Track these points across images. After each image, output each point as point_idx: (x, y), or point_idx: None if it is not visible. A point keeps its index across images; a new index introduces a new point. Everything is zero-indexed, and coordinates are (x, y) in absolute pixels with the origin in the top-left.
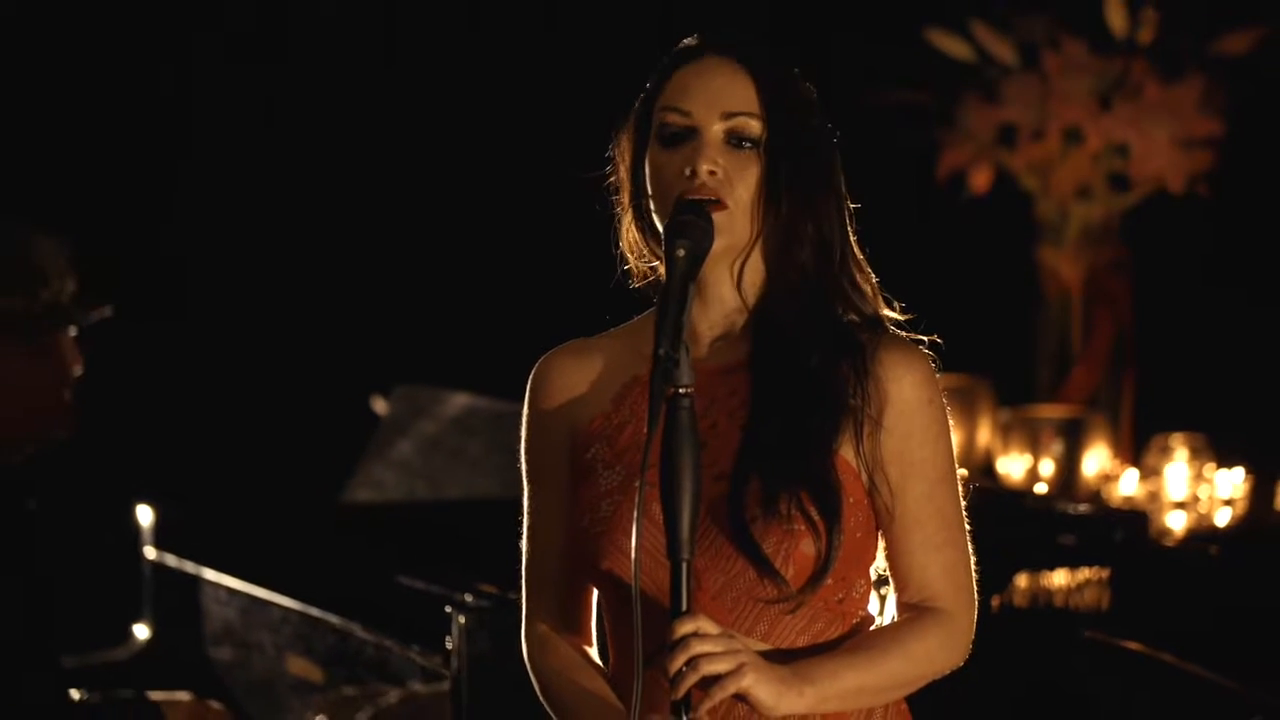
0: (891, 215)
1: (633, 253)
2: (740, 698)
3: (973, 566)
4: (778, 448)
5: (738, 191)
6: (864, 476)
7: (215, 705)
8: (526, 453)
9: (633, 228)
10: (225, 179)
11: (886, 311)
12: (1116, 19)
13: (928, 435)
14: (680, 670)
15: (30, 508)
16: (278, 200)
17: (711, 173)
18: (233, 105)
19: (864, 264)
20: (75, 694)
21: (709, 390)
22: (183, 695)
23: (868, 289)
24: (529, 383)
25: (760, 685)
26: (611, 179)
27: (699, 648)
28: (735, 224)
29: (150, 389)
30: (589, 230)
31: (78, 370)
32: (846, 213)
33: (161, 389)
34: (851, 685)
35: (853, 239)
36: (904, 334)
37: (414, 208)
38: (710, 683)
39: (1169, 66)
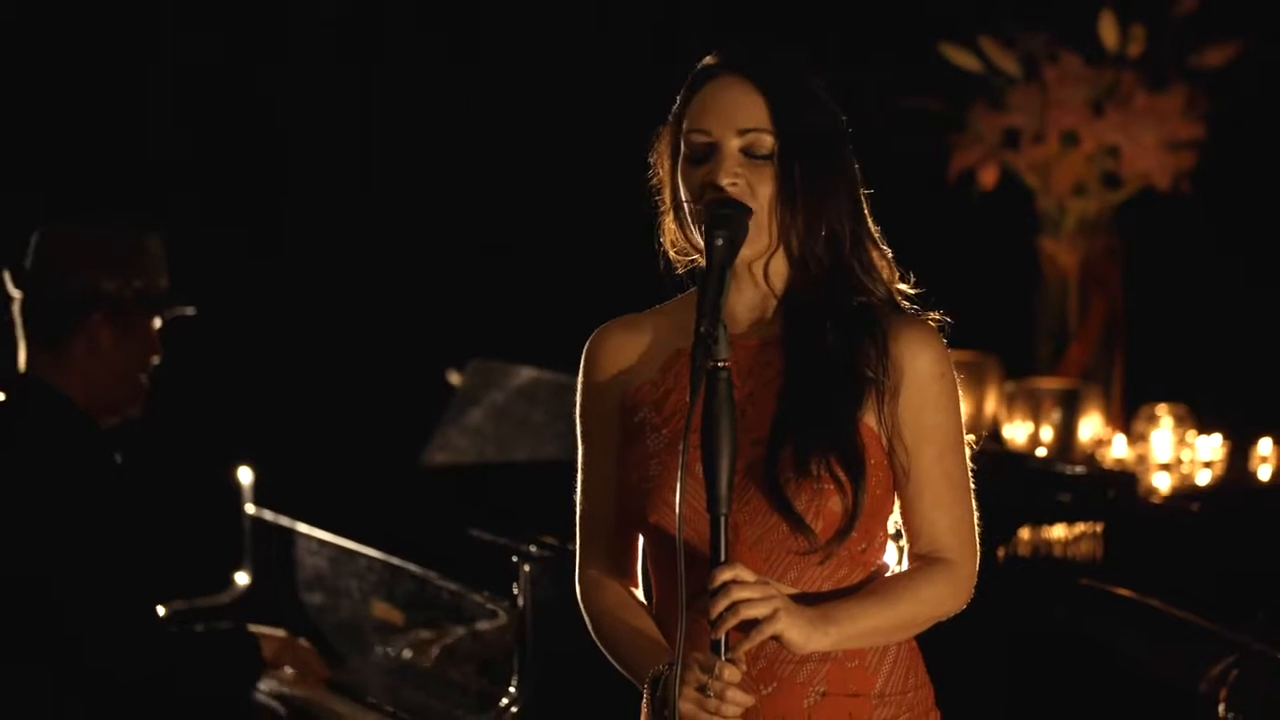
0: (909, 209)
1: (673, 245)
2: (773, 638)
3: (976, 522)
4: (809, 416)
5: (759, 198)
6: (884, 441)
7: (304, 642)
8: (581, 416)
9: (673, 224)
10: (324, 175)
11: (900, 285)
12: (1109, 35)
13: (940, 405)
14: (722, 614)
15: (118, 461)
16: (374, 197)
17: (733, 184)
18: (328, 104)
19: (879, 241)
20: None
21: (747, 363)
22: (278, 630)
23: (883, 265)
24: (584, 353)
25: (792, 628)
26: (653, 181)
27: (738, 594)
28: (759, 228)
29: (255, 365)
30: (638, 225)
31: (155, 359)
32: (860, 199)
33: (265, 365)
34: (869, 626)
35: (868, 219)
36: (917, 310)
37: (490, 206)
38: (748, 626)
39: (1155, 78)
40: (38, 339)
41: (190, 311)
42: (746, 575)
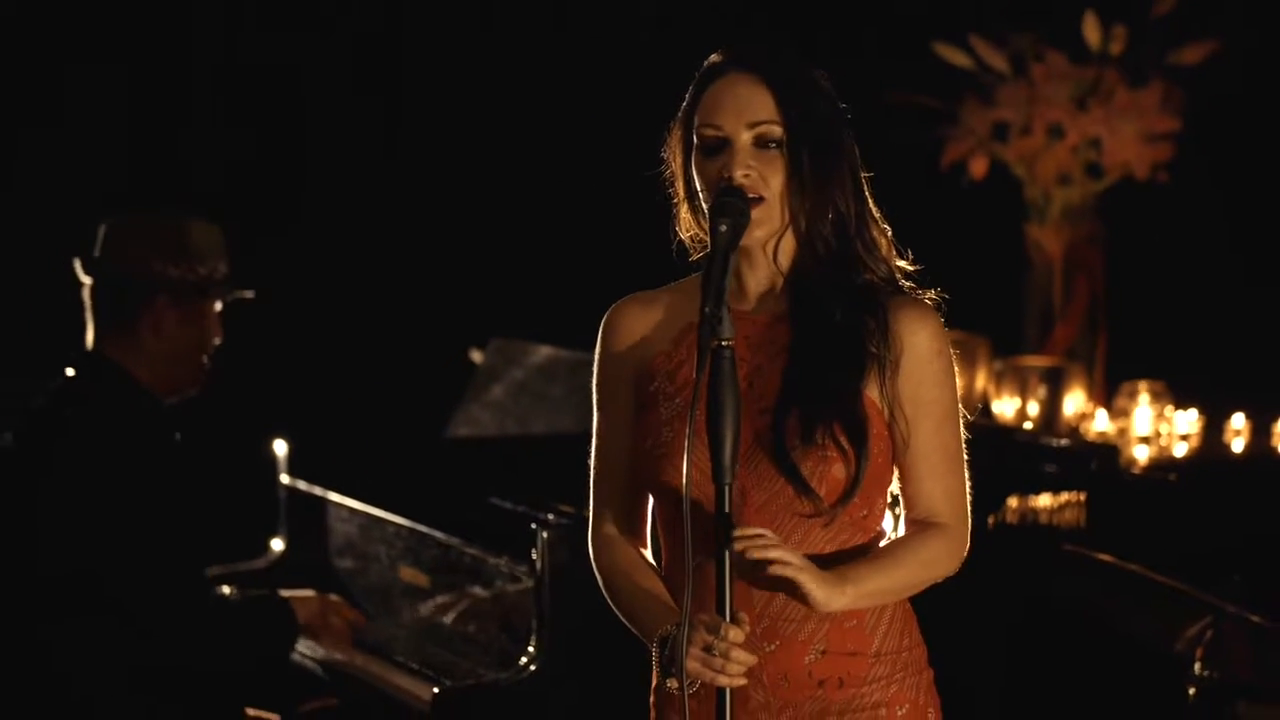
0: (904, 198)
1: (686, 231)
2: (792, 593)
3: (968, 491)
4: (814, 387)
5: (770, 186)
6: (885, 413)
7: (334, 597)
8: (598, 385)
9: (686, 212)
10: (352, 165)
11: (900, 262)
12: (1092, 35)
13: (937, 380)
14: (759, 547)
15: (177, 439)
16: (400, 189)
17: (746, 175)
18: (355, 95)
19: (880, 220)
20: (225, 589)
21: (757, 337)
22: (308, 592)
23: (883, 242)
24: (602, 326)
25: (816, 586)
26: (667, 172)
27: (773, 546)
28: (772, 212)
29: (291, 345)
30: (650, 211)
31: (217, 340)
32: (861, 181)
33: (301, 345)
34: (877, 587)
35: (870, 201)
36: (916, 291)
37: (512, 196)
38: (780, 586)
39: (1135, 75)
40: (105, 322)
41: (249, 295)
42: (772, 536)
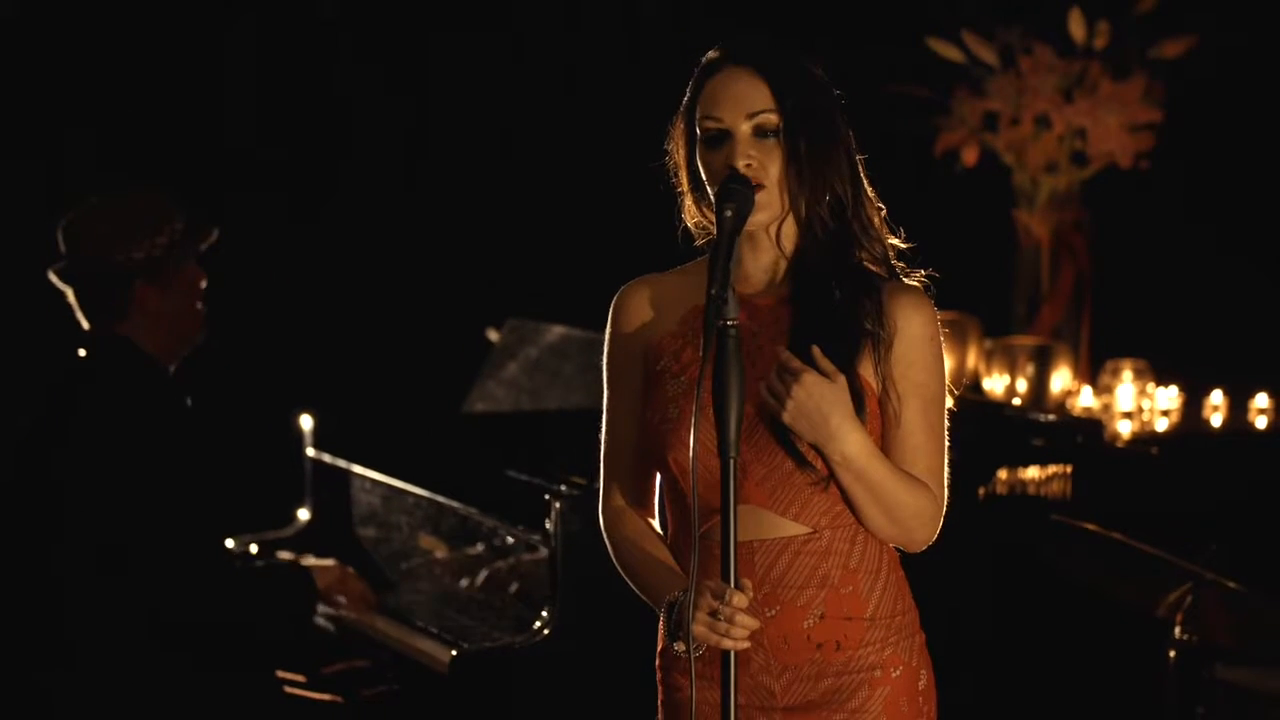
0: (899, 184)
1: (691, 218)
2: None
3: (947, 469)
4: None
5: (770, 173)
6: (878, 390)
7: (352, 571)
8: (608, 364)
9: (690, 202)
10: (380, 159)
11: (893, 240)
12: (1077, 30)
13: (927, 364)
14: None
15: (188, 404)
16: (423, 179)
17: (748, 165)
18: (384, 94)
19: (874, 200)
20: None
21: (760, 318)
22: (329, 561)
23: (876, 220)
24: (612, 307)
25: (844, 416)
26: (670, 164)
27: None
28: (772, 198)
29: (317, 324)
30: (657, 199)
31: (203, 284)
32: (857, 165)
33: (326, 325)
34: (877, 475)
35: (865, 183)
36: (908, 271)
37: (526, 184)
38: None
39: (1118, 68)
40: (96, 317)
41: (214, 234)
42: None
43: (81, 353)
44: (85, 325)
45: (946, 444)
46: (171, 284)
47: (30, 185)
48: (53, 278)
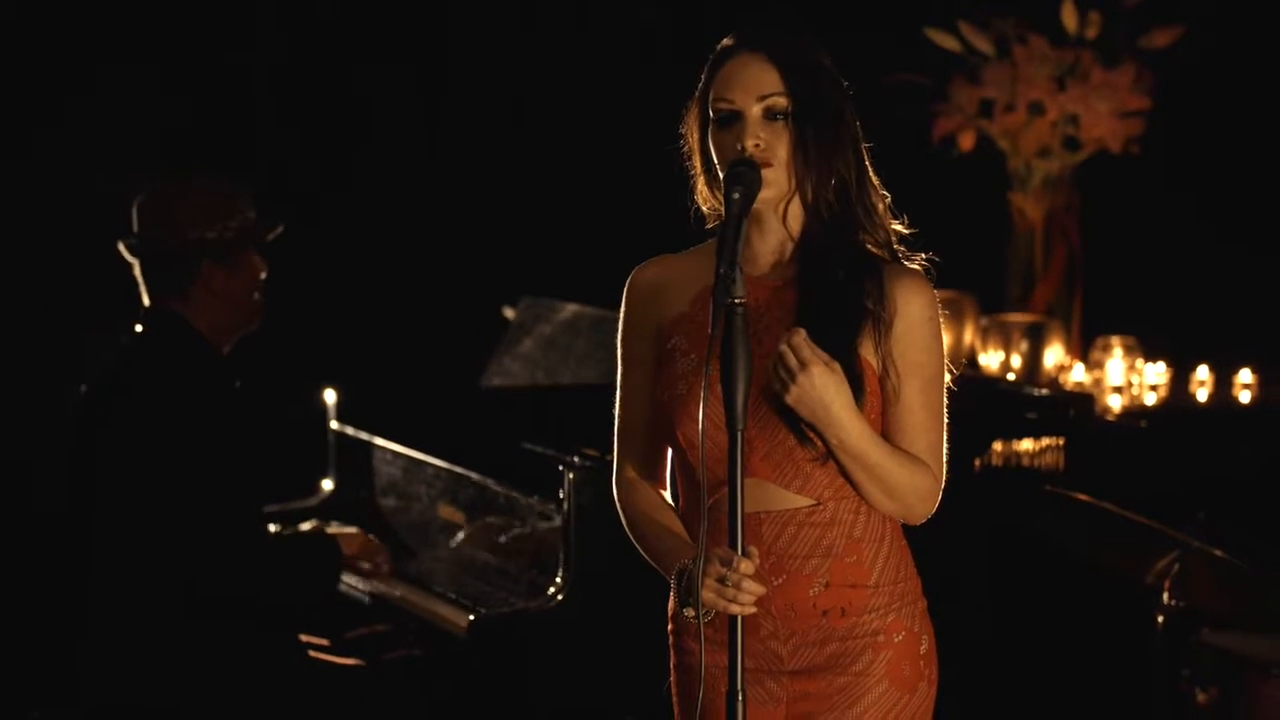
0: (899, 169)
1: (704, 200)
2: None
3: (945, 446)
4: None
5: (778, 154)
6: (878, 370)
7: (374, 538)
8: (621, 341)
9: (703, 185)
10: (401, 141)
11: (895, 225)
12: (1070, 20)
13: (926, 344)
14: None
15: (237, 386)
16: (441, 161)
17: (757, 145)
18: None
19: (878, 186)
20: (272, 527)
21: (766, 300)
22: (352, 529)
23: (880, 206)
24: (626, 287)
25: (844, 399)
26: (685, 148)
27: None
28: (779, 177)
29: (340, 302)
30: (671, 180)
31: (263, 274)
32: (861, 150)
33: (349, 302)
34: (876, 456)
35: (869, 168)
36: (909, 254)
37: (542, 165)
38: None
39: (1109, 57)
40: (160, 292)
41: (280, 229)
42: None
43: (139, 328)
44: (146, 301)
45: (945, 421)
46: (236, 267)
47: (38, 181)
48: (123, 251)
